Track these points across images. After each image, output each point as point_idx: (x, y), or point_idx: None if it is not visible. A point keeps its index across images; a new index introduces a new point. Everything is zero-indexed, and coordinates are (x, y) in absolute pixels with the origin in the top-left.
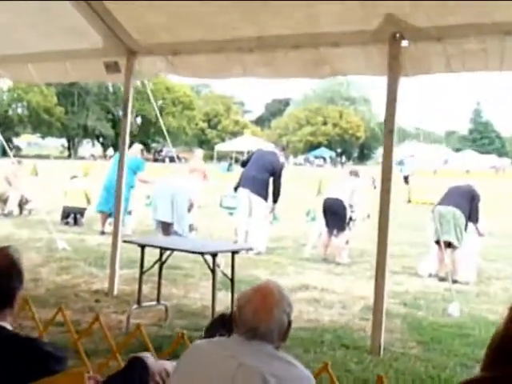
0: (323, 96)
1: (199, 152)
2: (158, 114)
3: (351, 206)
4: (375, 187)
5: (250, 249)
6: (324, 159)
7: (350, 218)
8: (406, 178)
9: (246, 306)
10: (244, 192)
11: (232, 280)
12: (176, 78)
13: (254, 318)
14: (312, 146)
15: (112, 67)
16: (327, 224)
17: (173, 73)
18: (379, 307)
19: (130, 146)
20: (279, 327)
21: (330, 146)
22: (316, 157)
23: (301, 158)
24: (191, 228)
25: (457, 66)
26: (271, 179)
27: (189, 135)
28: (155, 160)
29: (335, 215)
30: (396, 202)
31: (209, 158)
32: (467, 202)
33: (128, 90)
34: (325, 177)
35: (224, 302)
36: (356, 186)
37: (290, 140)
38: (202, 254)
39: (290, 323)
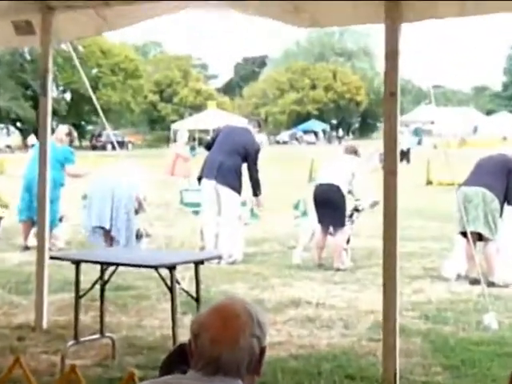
0: (310, 51)
1: (184, 134)
2: (89, 87)
3: (351, 193)
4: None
5: (220, 257)
6: (315, 134)
7: (353, 209)
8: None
9: (202, 332)
10: (209, 184)
11: (197, 299)
12: (113, 36)
13: (214, 348)
14: (299, 118)
15: (23, 28)
16: (321, 219)
17: (105, 29)
18: (391, 323)
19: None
20: (248, 357)
21: (322, 117)
22: (305, 132)
23: (285, 135)
24: (139, 235)
25: (472, 7)
26: (245, 165)
27: (135, 112)
28: (93, 147)
29: (330, 206)
30: (410, 184)
31: (163, 140)
32: (502, 179)
33: (46, 58)
34: (317, 157)
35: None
36: (355, 167)
37: (269, 112)
38: (155, 267)
39: (263, 350)
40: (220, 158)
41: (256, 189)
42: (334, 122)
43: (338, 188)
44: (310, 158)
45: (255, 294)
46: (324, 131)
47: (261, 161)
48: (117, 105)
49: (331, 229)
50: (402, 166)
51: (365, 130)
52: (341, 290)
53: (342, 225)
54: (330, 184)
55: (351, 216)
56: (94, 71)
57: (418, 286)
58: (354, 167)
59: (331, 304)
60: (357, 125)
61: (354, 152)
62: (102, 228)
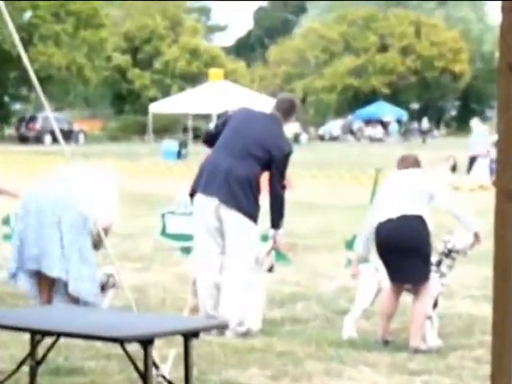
0: None
1: None
2: (17, 41)
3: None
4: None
5: (226, 326)
6: (384, 125)
7: (442, 253)
8: None
9: None
10: (208, 204)
11: None
12: None
13: None
14: (358, 100)
15: None
16: (392, 272)
17: None
18: None
19: None
20: None
21: (396, 98)
22: (367, 121)
23: (335, 126)
24: (107, 284)
25: None
26: (265, 174)
27: (92, 83)
28: (22, 139)
29: (407, 252)
30: None
31: (136, 129)
32: None
33: None
34: (387, 164)
35: None
36: (434, 186)
37: (309, 87)
38: (120, 341)
39: None
40: (227, 162)
41: (277, 216)
42: (416, 106)
43: (419, 221)
44: (375, 167)
45: None
46: (399, 121)
47: (292, 169)
48: (62, 71)
49: (408, 286)
50: None
51: (466, 120)
52: None
53: (426, 278)
54: (405, 216)
55: (439, 264)
56: (27, 15)
57: None
58: (431, 186)
59: None
60: (453, 112)
61: (417, 164)
62: (38, 272)
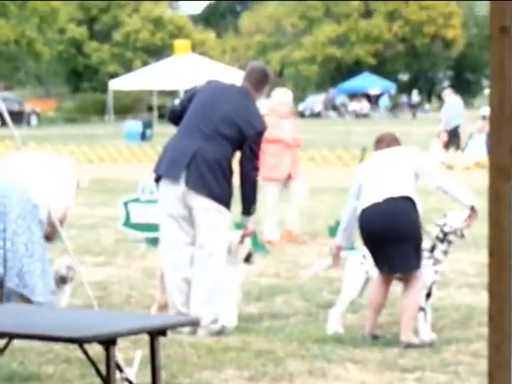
0: None
1: None
2: None
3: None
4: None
5: (197, 323)
6: (370, 99)
7: (436, 237)
8: None
9: None
10: (174, 190)
11: None
12: None
13: None
14: (341, 71)
15: None
16: (380, 261)
17: None
18: None
19: None
20: None
21: (382, 69)
22: (352, 95)
23: (315, 101)
24: (62, 278)
25: None
26: (236, 155)
27: (44, 58)
28: None
29: (396, 238)
30: None
31: (96, 110)
32: None
33: None
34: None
35: None
36: (420, 164)
37: (286, 59)
38: (79, 342)
39: None
40: (194, 143)
41: (248, 201)
42: (405, 77)
43: (408, 203)
44: (360, 145)
45: None
46: (389, 94)
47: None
48: (10, 45)
49: (399, 274)
50: None
51: (461, 91)
52: None
53: (418, 266)
54: (392, 199)
55: (432, 250)
56: None
57: None
58: (416, 162)
59: None
60: (446, 82)
61: (397, 142)
62: None
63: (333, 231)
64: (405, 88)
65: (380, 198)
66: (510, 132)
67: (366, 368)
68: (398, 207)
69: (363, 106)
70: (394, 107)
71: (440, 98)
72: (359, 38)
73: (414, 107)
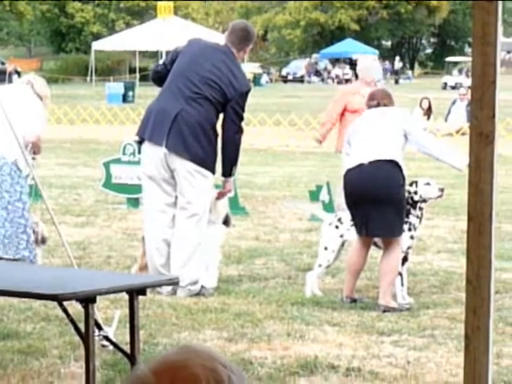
0: None
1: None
2: None
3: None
4: None
5: (177, 282)
6: (352, 66)
7: (411, 201)
8: None
9: None
10: (156, 152)
11: (132, 357)
12: None
13: None
14: (324, 37)
15: None
16: (360, 224)
17: None
18: None
19: None
20: None
21: (365, 35)
22: (335, 61)
23: (298, 66)
24: (42, 238)
25: None
26: (219, 116)
27: (26, 18)
28: None
29: (379, 201)
30: None
31: (78, 71)
32: None
33: None
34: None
35: None
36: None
37: (268, 23)
38: (58, 300)
39: None
40: (176, 105)
41: (229, 163)
42: (388, 43)
43: (394, 166)
44: None
45: (237, 349)
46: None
47: (250, 114)
48: None
49: (378, 240)
50: None
51: (443, 58)
52: (392, 347)
53: (400, 231)
54: (378, 161)
55: (407, 215)
56: None
57: None
58: (406, 123)
59: (374, 371)
60: (429, 50)
61: (389, 99)
62: None
63: (313, 195)
64: (388, 54)
65: (365, 160)
66: (491, 98)
67: (343, 330)
68: (383, 170)
69: (345, 72)
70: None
71: (423, 64)
72: (343, 4)
73: (396, 73)
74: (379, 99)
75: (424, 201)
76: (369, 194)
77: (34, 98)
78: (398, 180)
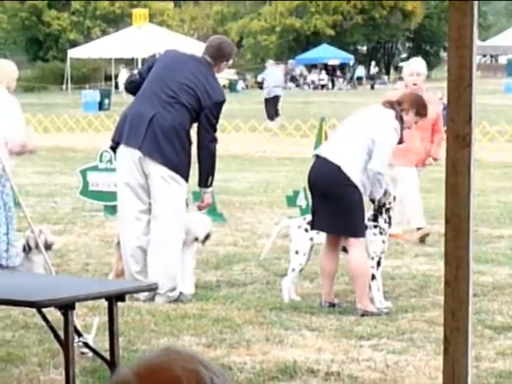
0: None
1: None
2: None
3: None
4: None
5: (155, 288)
6: (329, 71)
7: (380, 204)
8: None
9: None
10: (130, 156)
11: (112, 363)
12: None
13: None
14: (299, 43)
15: None
16: (318, 222)
17: None
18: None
19: None
20: None
21: (341, 40)
22: (310, 66)
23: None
24: (29, 245)
25: None
26: (193, 124)
27: (3, 27)
28: None
29: (324, 198)
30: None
31: (54, 79)
32: None
33: None
34: (332, 114)
35: None
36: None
37: (244, 29)
38: (36, 306)
39: None
40: (152, 110)
41: (205, 173)
42: (363, 48)
43: (339, 171)
44: (319, 116)
45: (217, 355)
46: (345, 66)
47: (225, 120)
48: None
49: (344, 241)
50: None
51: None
52: (371, 351)
53: (361, 233)
54: (328, 161)
55: (375, 219)
56: None
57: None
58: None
59: (353, 375)
60: (404, 54)
61: (387, 103)
62: None
63: (290, 201)
64: (364, 59)
65: (323, 153)
66: (468, 100)
67: (322, 335)
68: (327, 168)
69: (321, 77)
70: (354, 79)
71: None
72: (318, 9)
73: (372, 79)
74: (384, 100)
75: (384, 205)
76: (317, 186)
77: (9, 100)
78: (341, 179)
